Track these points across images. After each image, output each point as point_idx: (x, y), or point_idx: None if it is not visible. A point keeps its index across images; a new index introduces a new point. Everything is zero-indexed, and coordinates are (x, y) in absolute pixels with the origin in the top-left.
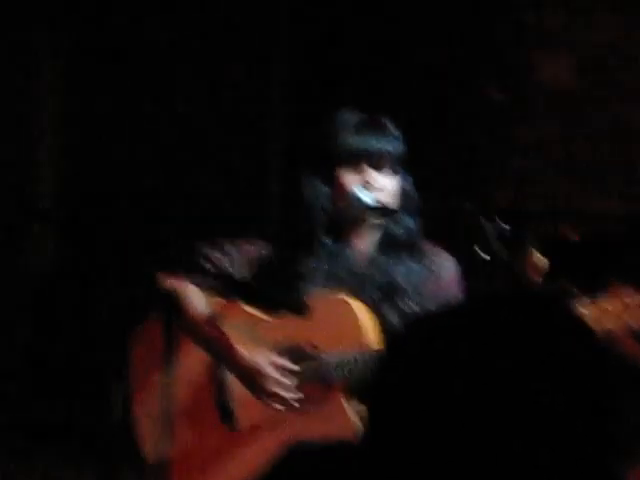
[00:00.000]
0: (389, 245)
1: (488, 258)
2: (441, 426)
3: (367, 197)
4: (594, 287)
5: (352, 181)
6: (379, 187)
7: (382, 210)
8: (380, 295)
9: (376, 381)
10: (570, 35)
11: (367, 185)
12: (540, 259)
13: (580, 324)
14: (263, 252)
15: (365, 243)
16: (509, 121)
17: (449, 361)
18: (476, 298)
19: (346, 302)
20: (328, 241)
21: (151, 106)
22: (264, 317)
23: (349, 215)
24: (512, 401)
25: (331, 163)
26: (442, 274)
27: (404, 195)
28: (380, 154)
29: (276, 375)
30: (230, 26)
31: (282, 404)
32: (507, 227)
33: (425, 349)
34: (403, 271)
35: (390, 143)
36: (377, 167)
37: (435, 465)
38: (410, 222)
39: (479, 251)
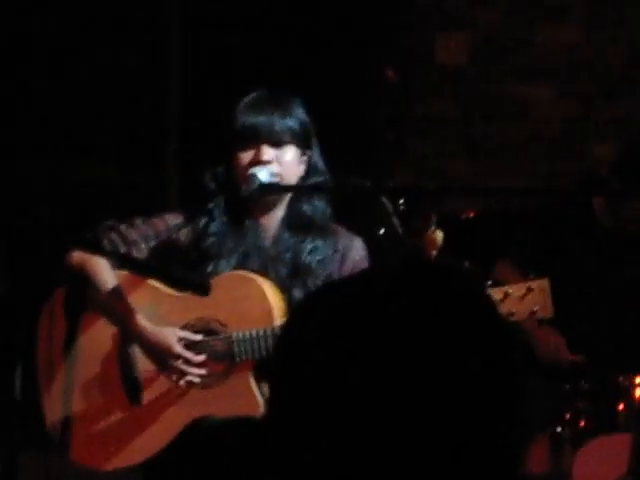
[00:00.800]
0: (296, 223)
1: (384, 232)
2: (342, 404)
3: (260, 173)
4: (487, 263)
5: (246, 159)
6: (271, 160)
7: (276, 186)
8: (288, 273)
9: (276, 357)
10: (464, 15)
11: (261, 161)
12: (436, 234)
13: (480, 297)
14: (172, 226)
15: (272, 221)
16: (406, 101)
17: (348, 336)
18: (374, 271)
19: (253, 279)
20: (233, 221)
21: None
22: (171, 292)
23: (247, 194)
24: (412, 378)
25: (228, 145)
26: (349, 254)
27: (313, 172)
28: (272, 130)
29: (182, 350)
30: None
31: (187, 380)
32: (404, 204)
33: (323, 324)
34: (310, 249)
35: (285, 118)
36: (272, 143)
37: (337, 443)
38: (318, 200)
39: (378, 228)
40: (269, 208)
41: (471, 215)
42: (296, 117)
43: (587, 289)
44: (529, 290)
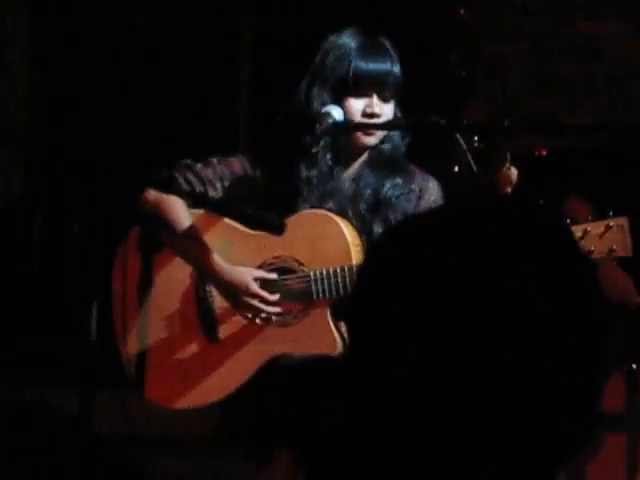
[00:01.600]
0: (377, 162)
1: (459, 169)
2: (422, 342)
3: (336, 113)
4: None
5: (357, 107)
6: (380, 113)
7: (350, 125)
8: (368, 208)
9: (355, 294)
10: None
11: (369, 111)
12: (511, 171)
13: (562, 233)
14: (247, 166)
15: (355, 162)
16: (478, 39)
17: (428, 271)
18: (453, 207)
19: (330, 218)
20: (329, 161)
21: (118, 35)
22: (249, 231)
23: (319, 132)
24: (494, 314)
25: (341, 89)
26: (426, 195)
27: (394, 115)
28: (387, 82)
29: (258, 289)
30: None
31: (264, 318)
32: (478, 141)
33: (403, 259)
34: (390, 185)
35: (395, 66)
36: (382, 94)
37: (416, 383)
38: (397, 139)
39: (453, 165)
40: (362, 151)
41: (544, 153)
42: (398, 66)
43: None
44: (608, 228)
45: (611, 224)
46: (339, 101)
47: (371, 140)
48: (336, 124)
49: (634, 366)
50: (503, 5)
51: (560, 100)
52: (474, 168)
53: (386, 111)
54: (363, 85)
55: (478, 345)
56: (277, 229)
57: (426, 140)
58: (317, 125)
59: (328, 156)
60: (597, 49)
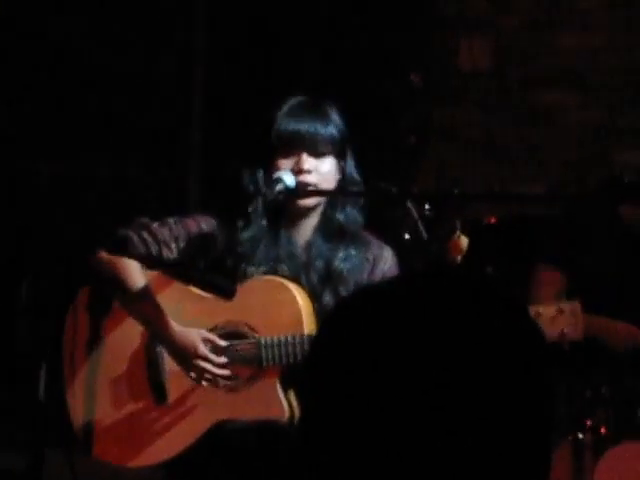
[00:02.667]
0: (329, 230)
1: (410, 237)
2: (372, 410)
3: (286, 177)
4: (517, 270)
5: (286, 166)
6: (309, 169)
7: (304, 191)
8: (319, 279)
9: (306, 363)
10: (489, 20)
11: (302, 170)
12: (461, 240)
13: (509, 301)
14: (205, 228)
15: (305, 227)
16: (430, 105)
17: (378, 342)
18: (403, 279)
19: (284, 285)
20: (267, 224)
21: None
22: (202, 294)
23: (269, 196)
24: (444, 381)
25: (270, 150)
26: (380, 264)
27: (349, 182)
28: (316, 139)
29: (206, 352)
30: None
31: (212, 382)
32: (430, 209)
33: (354, 329)
34: (342, 256)
35: (327, 126)
36: (312, 150)
37: (367, 452)
38: (351, 208)
39: (404, 233)
40: (304, 215)
41: (493, 221)
42: (336, 126)
43: (612, 291)
44: (560, 312)
45: (564, 308)
46: (272, 164)
47: (307, 202)
48: (287, 189)
49: (580, 435)
50: (454, 71)
51: (511, 169)
52: (424, 236)
53: (320, 167)
54: (288, 144)
55: (430, 416)
56: (227, 294)
57: (377, 207)
58: (268, 191)
59: (263, 220)
60: (548, 116)
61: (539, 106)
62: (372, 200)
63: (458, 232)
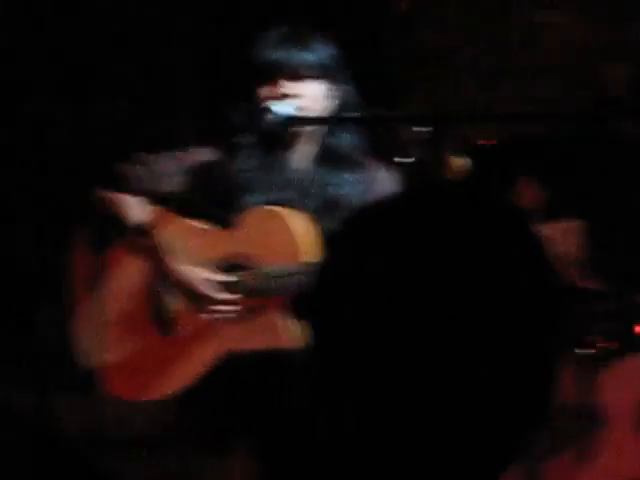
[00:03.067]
0: (328, 157)
1: (408, 161)
2: (380, 335)
3: (283, 108)
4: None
5: (268, 95)
6: (296, 94)
7: (293, 119)
8: (318, 206)
9: (313, 290)
10: None
11: (279, 95)
12: (460, 160)
13: (512, 212)
14: (204, 159)
15: (302, 154)
16: (417, 32)
17: (384, 263)
18: (409, 196)
19: (280, 214)
20: (264, 154)
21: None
22: (202, 227)
23: (265, 130)
24: (450, 297)
25: (253, 81)
26: (376, 188)
27: (346, 107)
28: (294, 65)
29: (210, 288)
30: None
31: (218, 316)
32: (425, 130)
33: (359, 251)
34: (340, 182)
35: (305, 52)
36: (291, 77)
37: (377, 376)
38: (348, 134)
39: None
40: (300, 141)
41: (492, 143)
42: (316, 51)
43: (609, 208)
44: (559, 230)
45: (564, 227)
46: (254, 94)
47: (299, 128)
48: (277, 118)
49: (585, 351)
50: None
51: (501, 91)
52: (416, 158)
53: (305, 91)
54: (266, 72)
55: (440, 330)
56: (223, 223)
57: (372, 133)
58: (259, 123)
59: (256, 149)
60: (534, 38)
61: (524, 27)
62: (366, 124)
63: (456, 153)
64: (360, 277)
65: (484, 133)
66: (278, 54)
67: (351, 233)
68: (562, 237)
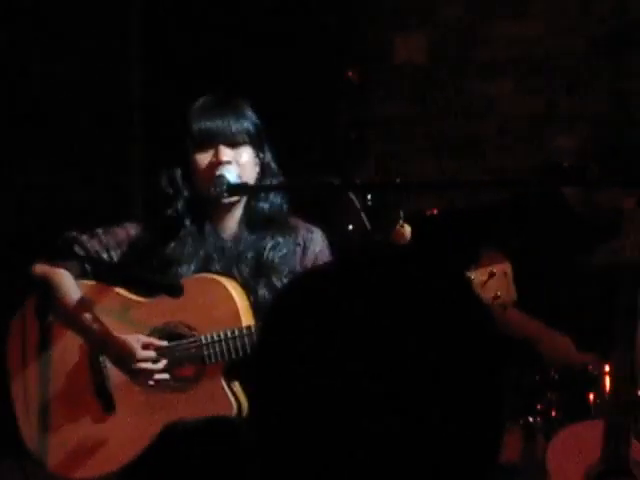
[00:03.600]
0: (255, 221)
1: (353, 228)
2: (322, 394)
3: (228, 174)
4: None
5: (205, 161)
6: (230, 160)
7: (245, 187)
8: (251, 272)
9: (251, 355)
10: (422, 14)
11: (221, 162)
12: (404, 229)
13: (455, 279)
14: (134, 234)
15: (230, 221)
16: (367, 102)
17: (322, 327)
18: (345, 259)
19: (217, 281)
20: (192, 224)
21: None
22: (138, 299)
23: (211, 195)
24: (393, 363)
25: (186, 148)
26: (311, 247)
27: (268, 173)
28: (229, 131)
29: (145, 354)
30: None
31: (156, 384)
32: (371, 200)
33: (298, 315)
34: (270, 246)
35: (240, 120)
36: (229, 144)
37: (315, 434)
38: (275, 197)
39: (347, 224)
40: (228, 210)
41: (435, 212)
42: (249, 119)
43: (555, 275)
44: (491, 275)
45: (494, 270)
46: (187, 162)
47: (234, 197)
48: (230, 186)
49: (530, 419)
50: (391, 66)
51: (452, 161)
52: (368, 226)
53: (239, 158)
54: (203, 140)
55: (378, 397)
56: (175, 291)
57: (320, 199)
58: (211, 189)
59: (187, 219)
60: (487, 108)
61: (475, 97)
62: (313, 192)
63: (401, 221)
64: (300, 342)
65: (434, 204)
66: (217, 122)
67: (291, 297)
68: (494, 281)
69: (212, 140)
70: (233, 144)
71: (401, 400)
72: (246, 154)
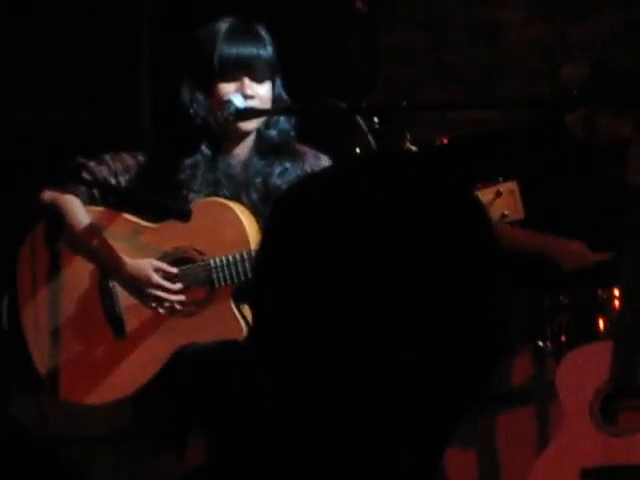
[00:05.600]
0: (265, 148)
1: (360, 151)
2: (326, 312)
3: (236, 99)
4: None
5: (228, 90)
6: (253, 95)
7: (253, 111)
8: (259, 197)
9: (254, 275)
10: None
11: (246, 95)
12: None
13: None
14: (142, 160)
15: (242, 148)
16: (375, 30)
17: (323, 231)
18: (344, 163)
19: (226, 205)
20: (207, 149)
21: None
22: (147, 224)
23: (222, 119)
24: (394, 272)
25: (209, 74)
26: None
27: (277, 101)
28: (256, 64)
29: (159, 280)
30: None
31: (168, 308)
32: (378, 123)
33: (296, 222)
34: (278, 172)
35: (265, 53)
36: (253, 75)
37: (322, 357)
38: (283, 123)
39: (354, 147)
40: (242, 137)
41: (445, 141)
42: (271, 50)
43: (560, 201)
44: (498, 194)
45: (501, 189)
46: (209, 88)
47: (248, 126)
48: (238, 111)
49: (540, 343)
50: None
51: (459, 89)
52: (375, 149)
53: (260, 92)
54: (230, 69)
55: (383, 309)
56: (184, 215)
57: (326, 124)
58: (219, 113)
59: (203, 145)
60: (495, 35)
61: (487, 24)
62: (320, 115)
63: (408, 144)
64: (300, 249)
65: (444, 133)
66: (245, 51)
67: (285, 211)
68: (500, 200)
69: (237, 71)
70: (257, 78)
71: (400, 315)
72: (267, 88)
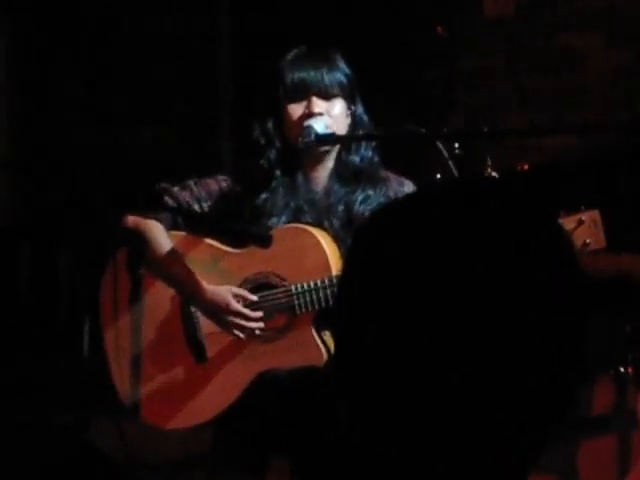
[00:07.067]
0: (346, 174)
1: (441, 177)
2: (410, 340)
3: (316, 125)
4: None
5: (298, 111)
6: (323, 112)
7: (332, 136)
8: (341, 225)
9: (337, 303)
10: None
11: (313, 113)
12: (493, 176)
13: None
14: (225, 186)
15: (322, 173)
16: (455, 55)
17: (408, 262)
18: (423, 192)
19: (308, 231)
20: (283, 175)
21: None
22: (229, 250)
23: (303, 145)
24: (478, 296)
25: (279, 99)
26: None
27: (359, 125)
28: (322, 82)
29: (239, 307)
30: None
31: (248, 335)
32: (459, 148)
33: (378, 250)
34: (361, 199)
35: (333, 72)
36: (322, 96)
37: (404, 384)
38: (365, 149)
39: (435, 173)
40: (319, 161)
41: (526, 167)
42: (342, 71)
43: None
44: (580, 223)
45: (583, 218)
46: (278, 112)
47: (325, 147)
48: (318, 136)
49: (622, 369)
50: (479, 19)
51: (538, 114)
52: (456, 174)
53: (330, 110)
54: (296, 91)
55: (467, 339)
56: (266, 241)
57: (407, 150)
58: (299, 139)
59: (278, 170)
60: (575, 61)
61: (568, 49)
62: (401, 142)
63: (489, 170)
64: (381, 276)
65: (524, 160)
66: (310, 73)
67: (368, 238)
68: (582, 228)
69: (305, 91)
70: (326, 96)
71: (480, 342)
72: (338, 106)
